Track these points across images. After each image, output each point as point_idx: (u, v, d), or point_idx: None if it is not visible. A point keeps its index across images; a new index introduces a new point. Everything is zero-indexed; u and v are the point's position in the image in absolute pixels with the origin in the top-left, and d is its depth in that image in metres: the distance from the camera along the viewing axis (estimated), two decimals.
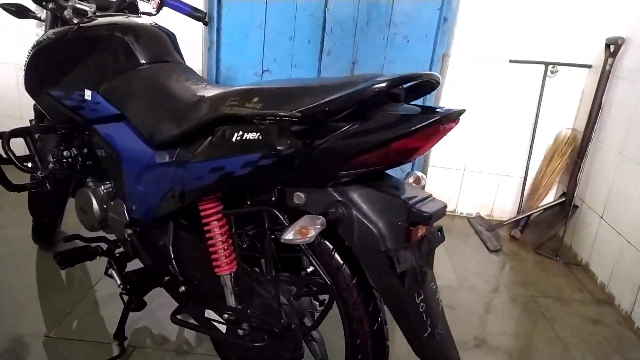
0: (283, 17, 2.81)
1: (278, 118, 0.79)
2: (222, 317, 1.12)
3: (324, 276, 0.92)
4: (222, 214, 1.07)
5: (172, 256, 1.21)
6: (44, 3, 1.48)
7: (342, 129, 0.81)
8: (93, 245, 1.50)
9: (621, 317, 2.00)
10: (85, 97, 1.32)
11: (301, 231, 0.79)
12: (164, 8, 1.57)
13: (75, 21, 1.45)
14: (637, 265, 1.96)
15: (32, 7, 1.60)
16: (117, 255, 1.47)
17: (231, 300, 1.10)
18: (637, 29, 2.25)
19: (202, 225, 1.19)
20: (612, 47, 2.36)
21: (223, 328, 1.17)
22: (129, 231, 1.36)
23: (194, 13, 1.56)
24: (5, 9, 1.61)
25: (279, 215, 0.94)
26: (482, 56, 2.62)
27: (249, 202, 1.02)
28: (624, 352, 1.78)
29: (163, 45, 1.31)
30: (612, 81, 2.38)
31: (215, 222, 1.08)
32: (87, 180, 1.50)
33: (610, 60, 2.36)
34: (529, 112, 2.68)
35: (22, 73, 1.49)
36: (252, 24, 2.84)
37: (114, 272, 1.43)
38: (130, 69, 1.26)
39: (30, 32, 2.36)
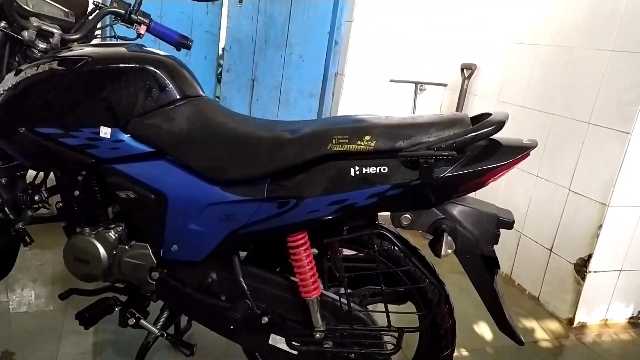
0: None
1: (443, 157, 0.95)
2: (309, 338, 1.19)
3: (433, 281, 1.11)
4: (308, 242, 1.16)
5: (246, 290, 1.21)
6: None
7: (460, 160, 1.01)
8: (110, 296, 1.34)
9: (503, 278, 2.61)
10: (101, 134, 1.20)
11: (451, 246, 0.98)
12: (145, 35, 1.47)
13: (40, 44, 1.29)
14: (511, 239, 2.58)
15: None
16: (132, 302, 1.36)
17: (318, 321, 1.19)
18: (485, 57, 2.92)
19: (275, 256, 1.25)
20: (466, 71, 3.00)
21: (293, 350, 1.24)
22: (157, 274, 1.29)
23: (181, 41, 1.50)
24: None
25: (390, 235, 1.09)
26: (369, 76, 3.01)
27: (344, 228, 1.14)
28: (515, 303, 2.36)
29: (191, 79, 1.27)
30: (469, 98, 3.03)
31: (303, 251, 1.16)
32: (80, 225, 1.34)
33: (466, 81, 3.00)
34: None
35: None
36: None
37: (144, 322, 1.32)
38: (165, 104, 1.20)
39: None
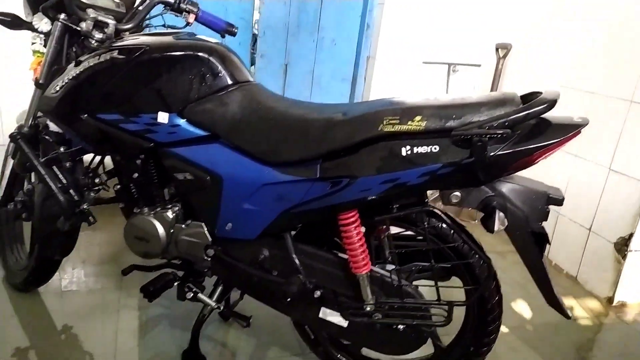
0: None
1: (497, 135, 0.98)
2: (360, 311, 1.24)
3: (483, 256, 1.14)
4: (359, 220, 1.20)
5: (299, 266, 1.27)
6: (58, 15, 1.33)
7: (512, 138, 1.03)
8: (169, 272, 1.43)
9: None
10: (159, 120, 1.26)
11: (503, 222, 1.01)
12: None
13: (97, 35, 1.36)
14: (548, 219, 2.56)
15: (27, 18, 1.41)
16: (189, 278, 1.44)
17: (368, 295, 1.24)
18: (521, 36, 2.88)
19: (322, 234, 1.30)
20: (501, 51, 2.97)
21: (343, 321, 1.30)
22: (212, 251, 1.36)
23: (227, 28, 1.55)
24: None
25: (440, 213, 1.13)
26: (401, 58, 3.01)
27: (394, 207, 1.18)
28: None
29: (240, 65, 1.32)
30: (503, 78, 3.00)
31: (354, 229, 1.21)
32: (139, 206, 1.42)
33: (501, 61, 2.97)
34: None
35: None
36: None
37: (201, 296, 1.40)
38: (218, 90, 1.25)
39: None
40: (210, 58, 1.25)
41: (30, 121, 1.52)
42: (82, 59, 1.31)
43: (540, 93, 1.08)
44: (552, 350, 1.84)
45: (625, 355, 1.89)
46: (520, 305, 2.11)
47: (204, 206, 1.32)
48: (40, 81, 1.43)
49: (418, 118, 1.06)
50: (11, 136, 1.47)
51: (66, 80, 1.29)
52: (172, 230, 1.39)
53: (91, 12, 1.38)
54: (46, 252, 1.59)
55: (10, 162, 1.61)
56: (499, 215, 1.03)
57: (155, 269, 1.45)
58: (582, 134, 1.05)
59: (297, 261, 1.27)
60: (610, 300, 2.23)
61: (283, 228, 1.28)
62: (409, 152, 1.06)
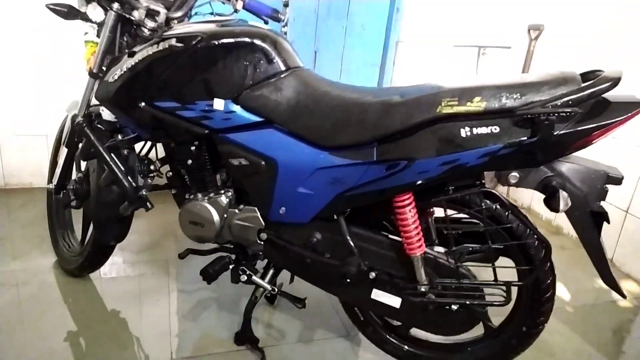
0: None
1: (565, 114, 0.98)
2: (414, 292, 1.27)
3: (540, 237, 1.16)
4: (414, 202, 1.22)
5: (354, 248, 1.30)
6: (111, 4, 1.36)
7: (574, 117, 1.03)
8: (225, 255, 1.47)
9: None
10: (215, 106, 1.29)
11: (567, 202, 1.02)
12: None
13: (149, 23, 1.38)
14: None
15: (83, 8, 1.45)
16: (242, 261, 1.47)
17: (422, 276, 1.26)
18: (553, 17, 2.84)
19: (374, 216, 1.32)
20: (533, 32, 2.93)
21: (396, 302, 1.33)
22: (265, 235, 1.39)
23: (273, 14, 1.57)
24: (53, 10, 1.42)
25: (499, 195, 1.14)
26: (430, 42, 2.99)
27: (449, 188, 1.19)
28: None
29: (292, 51, 1.34)
30: (535, 60, 2.96)
31: (409, 211, 1.23)
32: (193, 192, 1.45)
33: (533, 43, 2.93)
34: None
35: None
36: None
37: (256, 278, 1.44)
38: (272, 76, 1.27)
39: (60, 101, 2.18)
40: (264, 44, 1.27)
41: (84, 110, 1.56)
42: (136, 49, 1.34)
43: (600, 71, 1.08)
44: (592, 331, 1.85)
45: None
46: (560, 288, 2.12)
47: (258, 191, 1.35)
48: (94, 70, 1.46)
49: (477, 99, 1.07)
50: (76, 123, 1.51)
51: (124, 70, 1.32)
52: (225, 215, 1.42)
53: (143, 1, 1.41)
54: (102, 238, 1.64)
55: (64, 150, 1.66)
56: (563, 195, 1.04)
57: (210, 252, 1.49)
58: None
59: (351, 243, 1.30)
60: None
61: (336, 211, 1.30)
62: (468, 133, 1.07)
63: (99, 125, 1.57)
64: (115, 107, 1.40)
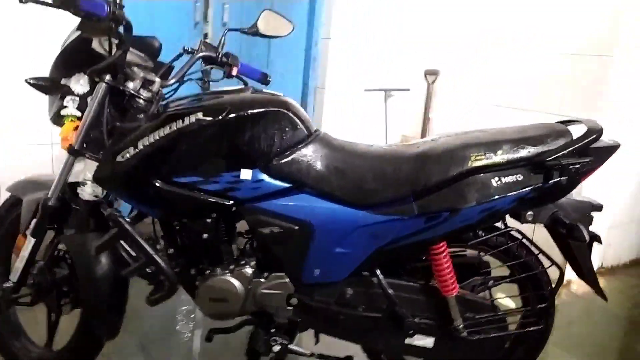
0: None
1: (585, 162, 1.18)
2: (454, 329, 1.36)
3: (553, 262, 1.35)
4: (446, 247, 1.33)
5: (394, 299, 1.34)
6: (103, 75, 1.26)
7: (581, 162, 1.24)
8: (257, 329, 1.39)
9: None
10: (242, 177, 1.25)
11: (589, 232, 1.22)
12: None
13: (144, 94, 1.31)
14: None
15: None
16: (274, 330, 1.41)
17: (457, 314, 1.36)
18: (447, 63, 3.27)
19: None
20: (430, 77, 3.33)
21: (427, 343, 1.41)
22: (295, 300, 1.37)
23: (262, 78, 1.58)
24: (34, 85, 1.26)
25: (524, 235, 1.32)
26: (346, 88, 3.21)
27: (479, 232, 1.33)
28: None
29: (307, 116, 1.36)
30: (434, 100, 3.36)
31: (443, 257, 1.33)
32: (208, 267, 1.37)
33: (431, 86, 3.33)
34: (380, 126, 3.43)
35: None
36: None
37: (292, 346, 1.39)
38: (299, 142, 1.28)
39: None
40: (289, 112, 1.28)
41: (58, 192, 1.36)
42: (147, 124, 1.25)
43: (575, 121, 1.33)
44: None
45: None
46: None
47: (290, 256, 1.33)
48: (76, 147, 1.31)
49: (500, 152, 1.23)
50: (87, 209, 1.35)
51: (140, 147, 1.21)
52: (250, 286, 1.36)
53: (140, 72, 1.31)
54: (102, 331, 1.41)
55: (29, 241, 1.41)
56: (584, 226, 1.24)
57: (237, 328, 1.41)
58: None
59: (391, 294, 1.35)
60: None
61: (373, 266, 1.35)
62: (499, 182, 1.23)
63: (76, 207, 1.39)
64: (124, 187, 1.27)
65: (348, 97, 3.22)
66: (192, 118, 1.21)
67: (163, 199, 1.26)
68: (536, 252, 1.39)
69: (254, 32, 1.54)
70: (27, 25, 2.15)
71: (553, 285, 1.42)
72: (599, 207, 1.36)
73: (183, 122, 1.21)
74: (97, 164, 1.40)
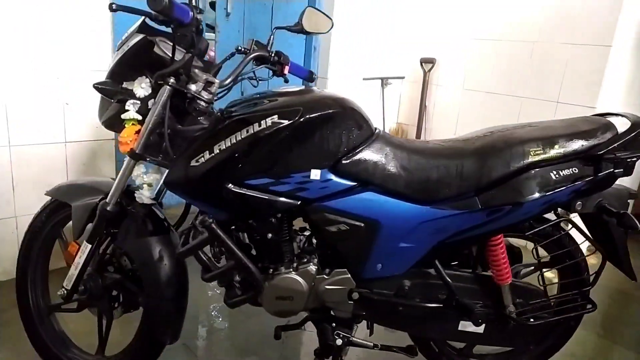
0: None
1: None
2: (509, 315, 1.44)
3: (598, 249, 1.44)
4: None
5: (454, 288, 1.40)
6: (166, 77, 1.24)
7: (634, 154, 1.32)
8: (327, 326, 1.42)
9: None
10: (312, 177, 1.27)
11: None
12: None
13: (205, 95, 1.30)
14: None
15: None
16: (334, 325, 1.45)
17: (509, 301, 1.44)
18: (445, 51, 3.34)
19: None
20: (426, 65, 3.39)
21: (479, 329, 1.49)
22: (357, 294, 1.41)
23: (309, 76, 1.59)
24: (101, 90, 1.23)
25: (574, 224, 1.40)
26: (346, 76, 3.23)
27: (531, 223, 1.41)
28: None
29: (367, 114, 1.38)
30: (430, 88, 3.43)
31: (499, 248, 1.40)
32: (271, 266, 1.39)
33: (428, 74, 3.40)
34: (378, 114, 3.49)
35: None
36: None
37: (356, 339, 1.43)
38: (364, 141, 1.31)
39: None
40: (354, 112, 1.30)
41: (117, 197, 1.34)
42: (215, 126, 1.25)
43: (613, 113, 1.42)
44: None
45: None
46: None
47: (354, 252, 1.36)
48: (138, 151, 1.28)
49: (557, 146, 1.30)
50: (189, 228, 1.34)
51: (216, 151, 1.21)
52: (313, 283, 1.39)
53: (202, 74, 1.30)
54: (165, 337, 1.40)
55: (85, 247, 1.38)
56: (631, 219, 1.34)
57: (301, 324, 1.43)
58: None
59: (451, 284, 1.41)
60: None
61: (433, 258, 1.40)
62: (557, 175, 1.30)
63: (134, 212, 1.37)
64: (196, 190, 1.26)
65: (347, 86, 3.25)
66: (269, 121, 1.21)
67: (234, 201, 1.26)
68: (581, 241, 1.48)
69: (298, 29, 1.54)
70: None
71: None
72: (635, 194, 1.46)
73: (260, 125, 1.21)
74: (155, 167, 1.40)
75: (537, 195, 1.29)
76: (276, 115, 1.22)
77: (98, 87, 1.27)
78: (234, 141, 1.21)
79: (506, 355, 1.69)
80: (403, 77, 3.57)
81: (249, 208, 1.29)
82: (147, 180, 1.38)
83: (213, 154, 1.22)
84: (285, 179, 1.26)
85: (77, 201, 1.42)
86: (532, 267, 1.57)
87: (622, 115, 1.42)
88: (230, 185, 1.25)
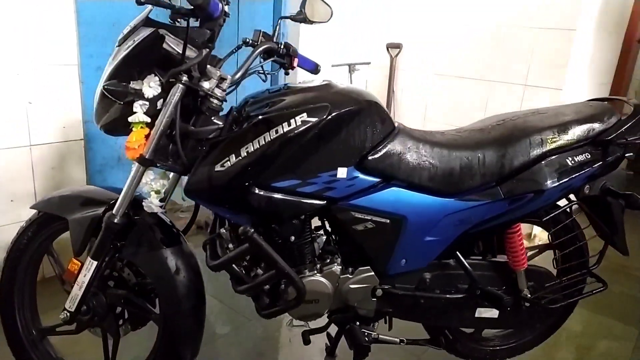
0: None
1: None
2: (521, 299, 1.47)
3: (604, 231, 1.50)
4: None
5: (476, 277, 1.41)
6: (179, 75, 1.15)
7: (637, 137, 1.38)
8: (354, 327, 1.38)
9: None
10: (339, 175, 1.23)
11: None
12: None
13: (218, 92, 1.22)
14: None
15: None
16: (348, 328, 1.42)
17: (524, 285, 1.48)
18: (410, 36, 3.35)
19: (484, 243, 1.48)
20: (393, 50, 3.39)
21: (494, 314, 1.52)
22: (380, 291, 1.40)
23: (314, 68, 1.52)
24: (111, 92, 1.11)
25: (584, 208, 1.45)
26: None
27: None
28: None
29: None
30: (397, 73, 3.44)
31: (517, 236, 1.43)
32: (294, 268, 1.33)
33: (394, 59, 3.40)
34: None
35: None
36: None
37: (383, 336, 1.42)
38: (387, 136, 1.27)
39: None
40: (379, 106, 1.26)
41: (125, 207, 1.22)
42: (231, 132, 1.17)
43: (614, 98, 1.48)
44: None
45: None
46: None
47: (379, 249, 1.34)
48: (147, 156, 1.17)
49: (570, 132, 1.34)
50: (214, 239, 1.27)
51: (244, 154, 1.12)
52: (338, 284, 1.35)
53: (217, 70, 1.20)
54: (187, 354, 1.31)
55: (90, 264, 1.24)
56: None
57: (327, 327, 1.39)
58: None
59: (473, 274, 1.42)
60: None
61: (456, 249, 1.40)
62: (573, 162, 1.33)
63: (142, 220, 1.26)
64: (220, 196, 1.17)
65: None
66: (298, 120, 1.14)
67: (259, 205, 1.19)
68: (585, 225, 1.53)
69: (302, 19, 1.47)
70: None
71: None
72: (631, 176, 1.54)
73: (289, 125, 1.14)
74: (160, 172, 1.29)
75: (557, 181, 1.32)
76: (305, 114, 1.15)
77: (108, 88, 1.14)
78: (263, 142, 1.14)
79: (511, 335, 1.75)
80: (369, 63, 3.55)
81: (275, 211, 1.22)
82: (155, 187, 1.27)
83: (240, 157, 1.14)
84: (312, 179, 1.21)
85: (73, 214, 1.28)
86: (536, 250, 1.62)
87: (621, 100, 1.48)
88: (256, 188, 1.17)
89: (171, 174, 1.32)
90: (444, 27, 3.15)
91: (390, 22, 3.41)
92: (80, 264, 1.26)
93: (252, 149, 1.14)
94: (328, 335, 1.73)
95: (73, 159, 2.06)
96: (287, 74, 1.56)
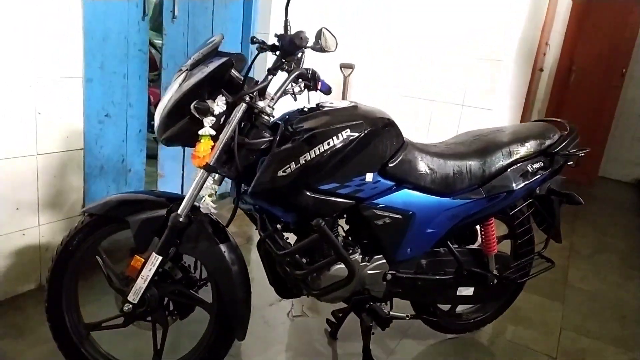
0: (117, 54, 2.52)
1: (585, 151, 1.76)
2: (495, 276, 1.86)
3: (550, 224, 1.94)
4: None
5: (462, 261, 1.77)
6: (244, 95, 1.39)
7: (581, 150, 1.83)
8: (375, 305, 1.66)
9: None
10: (367, 179, 1.52)
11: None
12: None
13: (269, 110, 1.47)
14: None
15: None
16: (368, 307, 1.71)
17: (493, 267, 1.87)
18: (362, 58, 3.73)
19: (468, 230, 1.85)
20: (346, 70, 3.75)
21: (470, 292, 1.89)
22: (389, 275, 1.71)
23: (328, 90, 1.78)
24: (199, 110, 1.30)
25: (537, 205, 1.88)
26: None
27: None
28: None
29: None
30: (350, 91, 3.81)
31: (490, 227, 1.81)
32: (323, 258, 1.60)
33: (347, 78, 3.76)
34: None
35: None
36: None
37: (394, 313, 1.71)
38: (400, 147, 1.59)
39: None
40: (394, 124, 1.57)
41: (188, 208, 1.40)
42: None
43: (554, 120, 1.94)
44: None
45: None
46: None
47: (391, 240, 1.64)
48: (212, 164, 1.38)
49: (528, 146, 1.75)
50: (266, 236, 1.50)
51: (302, 162, 1.37)
52: (358, 270, 1.63)
53: (271, 92, 1.44)
54: (242, 334, 1.49)
55: (155, 259, 1.40)
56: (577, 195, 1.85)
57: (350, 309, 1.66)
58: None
59: (460, 258, 1.77)
60: None
61: (447, 238, 1.75)
62: (532, 168, 1.75)
63: (200, 219, 1.46)
64: (278, 197, 1.40)
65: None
66: (344, 134, 1.42)
67: (308, 204, 1.44)
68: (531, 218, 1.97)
69: (319, 48, 1.74)
70: None
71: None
72: (564, 180, 2.00)
73: (338, 138, 1.41)
74: (214, 178, 1.49)
75: (522, 184, 1.72)
76: (348, 129, 1.44)
77: (197, 107, 1.33)
78: (318, 152, 1.40)
79: (476, 311, 2.14)
80: None
81: (319, 209, 1.47)
82: (211, 191, 1.46)
83: (299, 165, 1.38)
84: (347, 182, 1.48)
85: (134, 216, 1.43)
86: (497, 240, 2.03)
87: (560, 121, 1.94)
88: (306, 191, 1.42)
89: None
90: (393, 50, 3.58)
91: (344, 44, 3.76)
92: (143, 260, 1.41)
93: (309, 157, 1.40)
94: (327, 320, 2.00)
95: (73, 167, 2.12)
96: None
